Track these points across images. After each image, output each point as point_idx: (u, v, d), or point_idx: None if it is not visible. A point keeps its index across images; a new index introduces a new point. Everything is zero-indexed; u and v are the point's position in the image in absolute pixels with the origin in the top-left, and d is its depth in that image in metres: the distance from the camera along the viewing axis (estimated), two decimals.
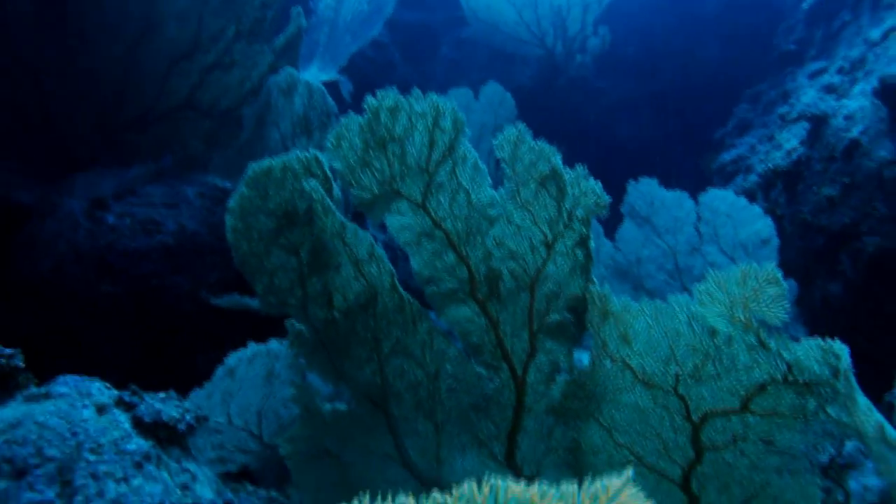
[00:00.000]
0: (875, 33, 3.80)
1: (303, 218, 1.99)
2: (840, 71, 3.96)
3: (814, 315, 3.46)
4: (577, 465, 1.71)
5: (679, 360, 1.45)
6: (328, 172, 1.99)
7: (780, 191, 3.77)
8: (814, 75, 4.32)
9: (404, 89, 1.78)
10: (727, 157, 4.89)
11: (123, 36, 3.02)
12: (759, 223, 3.17)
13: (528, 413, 1.82)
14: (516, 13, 5.59)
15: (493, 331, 1.83)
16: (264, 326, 2.76)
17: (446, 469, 1.93)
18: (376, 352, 1.94)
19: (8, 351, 1.51)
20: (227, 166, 3.26)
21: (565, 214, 1.67)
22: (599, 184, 1.61)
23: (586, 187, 1.62)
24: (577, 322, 1.74)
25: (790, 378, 1.34)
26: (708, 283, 1.31)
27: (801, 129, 3.78)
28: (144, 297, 2.78)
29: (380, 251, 1.93)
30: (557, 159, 1.66)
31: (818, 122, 3.56)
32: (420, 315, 1.92)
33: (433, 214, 1.82)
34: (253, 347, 2.41)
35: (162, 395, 1.58)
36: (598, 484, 0.47)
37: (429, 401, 1.91)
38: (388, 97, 1.77)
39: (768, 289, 1.24)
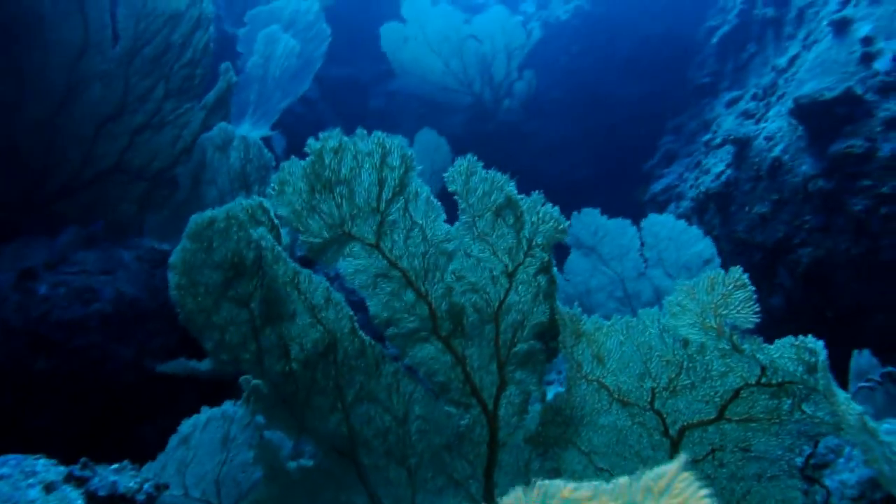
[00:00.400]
0: (782, 61, 4.06)
1: (251, 268, 1.92)
2: (754, 97, 4.19)
3: (759, 330, 3.56)
4: None
5: (653, 375, 1.44)
6: (274, 219, 1.93)
7: (713, 213, 3.91)
8: (730, 104, 4.56)
9: None
10: (657, 186, 5.06)
11: (45, 101, 2.90)
12: (700, 244, 3.27)
13: (502, 448, 1.77)
14: (443, 63, 5.72)
15: (460, 367, 1.79)
16: (215, 390, 2.63)
17: None
18: (340, 400, 1.87)
19: None
20: (164, 228, 3.14)
21: (525, 242, 1.66)
22: (557, 209, 1.61)
23: (544, 213, 1.62)
24: (545, 349, 1.71)
25: (763, 380, 1.35)
26: (678, 294, 1.31)
27: (727, 152, 3.96)
28: (84, 371, 2.61)
29: (337, 295, 1.87)
30: (511, 188, 1.66)
31: (742, 145, 3.73)
32: (383, 357, 1.86)
33: (388, 254, 1.79)
34: (207, 412, 2.27)
35: (115, 466, 1.46)
36: (649, 473, 0.44)
37: (399, 446, 1.84)
38: (331, 138, 1.73)
39: (736, 293, 1.25)
